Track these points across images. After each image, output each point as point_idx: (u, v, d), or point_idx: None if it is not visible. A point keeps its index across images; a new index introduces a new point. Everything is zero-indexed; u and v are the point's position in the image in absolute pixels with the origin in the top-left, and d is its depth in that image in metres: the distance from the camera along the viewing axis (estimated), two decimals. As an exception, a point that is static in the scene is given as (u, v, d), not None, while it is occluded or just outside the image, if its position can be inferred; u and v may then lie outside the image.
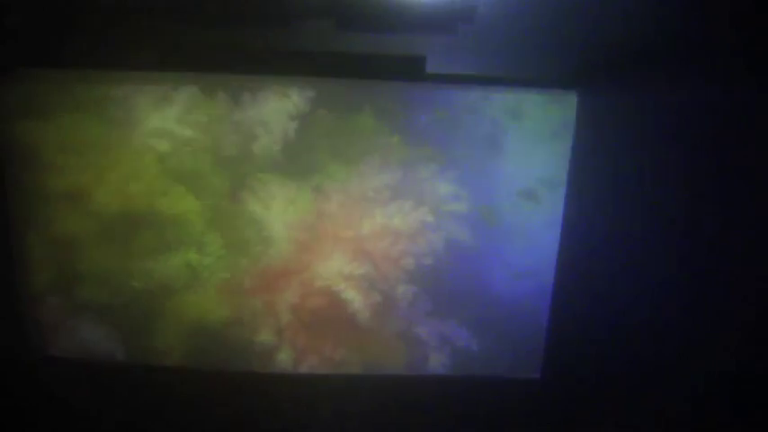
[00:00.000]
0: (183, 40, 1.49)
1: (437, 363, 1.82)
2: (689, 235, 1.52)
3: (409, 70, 1.54)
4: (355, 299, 1.76)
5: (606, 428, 1.75)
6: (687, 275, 1.55)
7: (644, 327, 1.62)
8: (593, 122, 1.57)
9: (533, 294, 1.76)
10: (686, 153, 1.48)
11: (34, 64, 1.55)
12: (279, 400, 1.80)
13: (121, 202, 1.70)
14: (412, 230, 1.74)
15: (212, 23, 1.48)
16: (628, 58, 1.49)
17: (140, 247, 1.74)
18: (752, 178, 1.41)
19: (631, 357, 1.66)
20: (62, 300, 1.77)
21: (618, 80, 1.53)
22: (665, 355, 1.62)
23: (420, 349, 1.82)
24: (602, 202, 1.61)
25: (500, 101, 1.68)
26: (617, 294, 1.65)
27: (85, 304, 1.77)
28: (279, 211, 1.74)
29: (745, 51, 1.32)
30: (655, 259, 1.58)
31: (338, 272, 1.76)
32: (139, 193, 1.71)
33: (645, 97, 1.51)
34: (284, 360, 1.82)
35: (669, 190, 1.53)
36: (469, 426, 1.79)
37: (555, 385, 1.76)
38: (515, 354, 1.80)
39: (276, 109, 1.67)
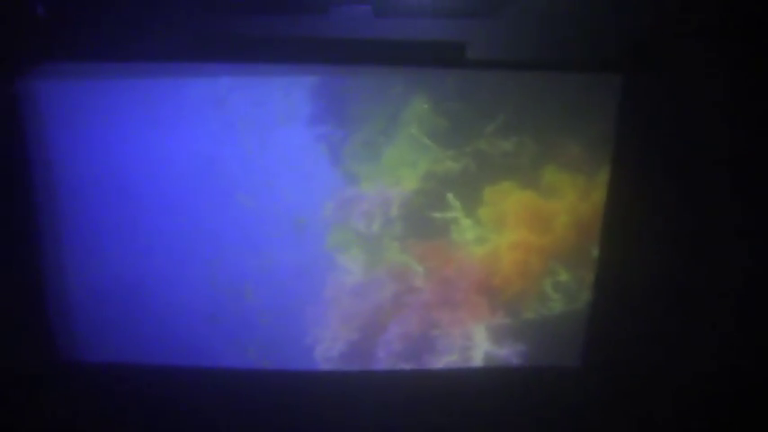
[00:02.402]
0: (217, 29, 1.44)
1: (475, 355, 1.79)
2: (740, 225, 1.51)
3: (448, 56, 1.51)
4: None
5: (648, 418, 1.74)
6: (735, 264, 1.54)
7: (689, 314, 1.61)
8: (638, 106, 1.54)
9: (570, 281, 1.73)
10: (738, 136, 1.46)
11: (61, 57, 1.49)
12: (313, 396, 1.76)
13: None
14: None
15: (247, 11, 1.44)
16: (673, 37, 1.46)
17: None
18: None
19: (674, 344, 1.66)
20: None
21: (664, 61, 1.50)
22: (710, 345, 1.61)
23: (457, 342, 1.79)
24: (647, 189, 1.58)
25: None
26: (661, 281, 1.63)
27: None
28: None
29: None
30: (701, 247, 1.57)
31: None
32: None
33: (693, 78, 1.48)
34: (317, 356, 1.77)
35: (718, 177, 1.52)
36: (510, 416, 1.76)
37: (596, 374, 1.73)
38: (555, 342, 1.77)
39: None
